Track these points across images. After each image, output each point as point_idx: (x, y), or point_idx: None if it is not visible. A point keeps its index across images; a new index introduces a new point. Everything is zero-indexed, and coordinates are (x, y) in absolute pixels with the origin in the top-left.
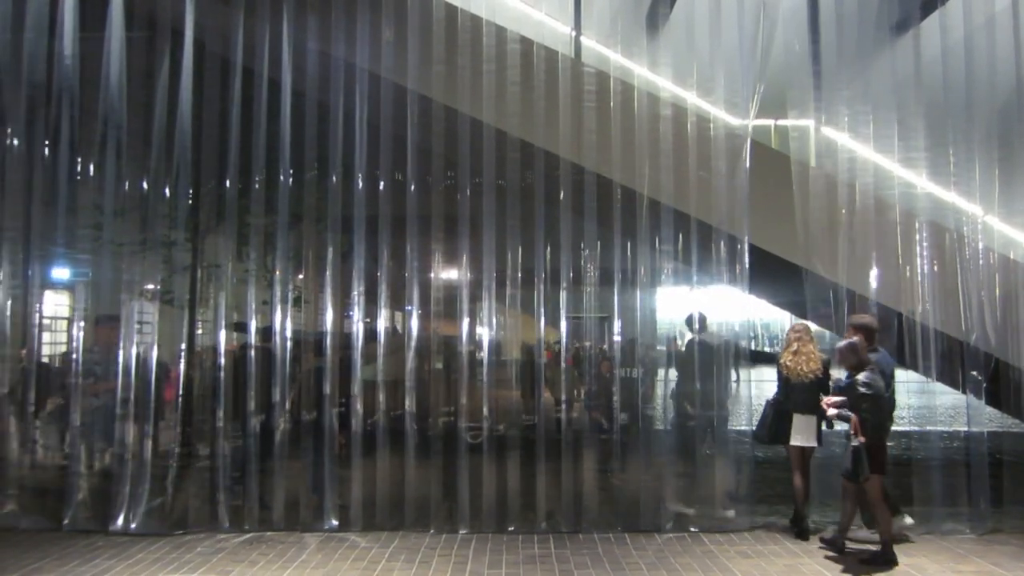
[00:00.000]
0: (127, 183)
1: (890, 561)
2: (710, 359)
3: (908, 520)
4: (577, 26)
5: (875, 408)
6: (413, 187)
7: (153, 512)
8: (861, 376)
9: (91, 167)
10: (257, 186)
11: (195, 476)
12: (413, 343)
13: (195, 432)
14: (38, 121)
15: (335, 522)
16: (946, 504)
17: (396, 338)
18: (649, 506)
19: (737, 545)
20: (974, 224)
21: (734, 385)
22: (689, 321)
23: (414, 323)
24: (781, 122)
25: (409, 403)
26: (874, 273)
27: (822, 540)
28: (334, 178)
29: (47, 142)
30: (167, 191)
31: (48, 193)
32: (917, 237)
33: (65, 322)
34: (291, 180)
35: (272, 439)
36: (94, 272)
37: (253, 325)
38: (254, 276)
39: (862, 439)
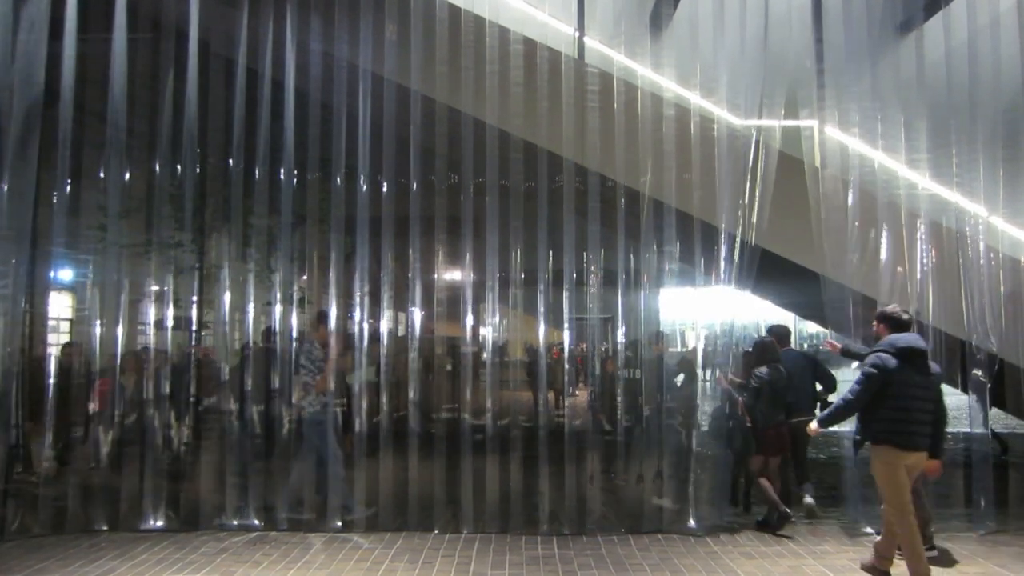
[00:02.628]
0: (131, 184)
1: (784, 516)
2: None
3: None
4: (580, 27)
5: (755, 396)
6: (416, 188)
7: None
8: (760, 368)
9: (95, 168)
10: (260, 187)
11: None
12: (416, 344)
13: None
14: (42, 122)
15: (339, 523)
16: (950, 505)
17: (399, 339)
18: (652, 507)
19: (741, 546)
20: (978, 225)
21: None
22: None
23: (417, 324)
24: (785, 123)
25: (412, 404)
26: (878, 273)
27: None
28: (337, 179)
29: (51, 143)
30: (171, 192)
31: (54, 195)
32: (921, 238)
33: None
34: (294, 181)
35: (275, 438)
36: (96, 273)
37: (252, 325)
38: (256, 276)
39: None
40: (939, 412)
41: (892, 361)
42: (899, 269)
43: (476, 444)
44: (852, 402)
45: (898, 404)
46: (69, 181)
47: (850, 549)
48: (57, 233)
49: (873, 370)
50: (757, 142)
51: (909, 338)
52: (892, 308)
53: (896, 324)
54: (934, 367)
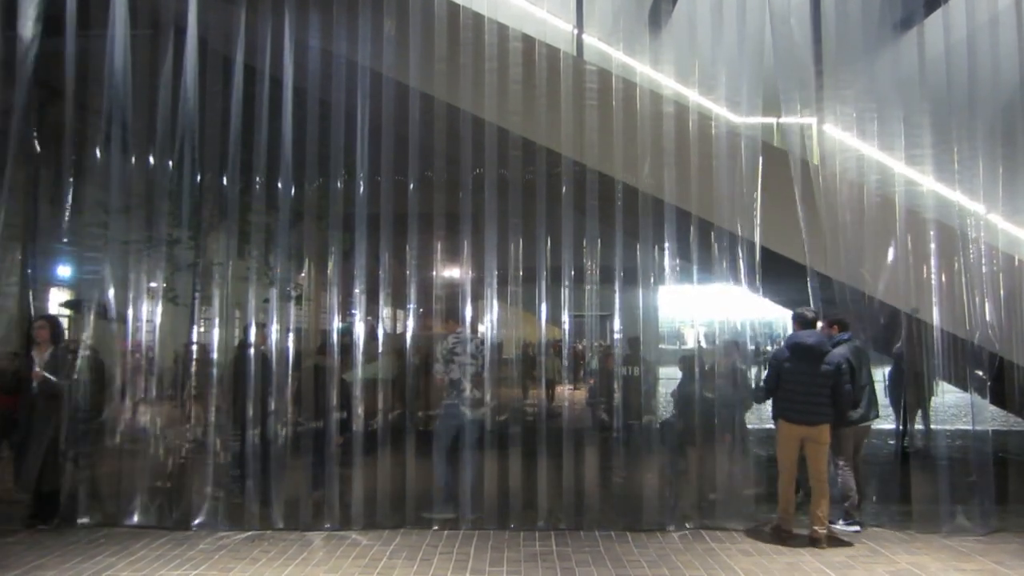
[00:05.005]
0: (130, 181)
1: None
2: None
3: None
4: (579, 24)
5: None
6: (414, 185)
7: None
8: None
9: (95, 165)
10: (259, 184)
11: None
12: (415, 341)
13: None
14: (41, 119)
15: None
16: (949, 502)
17: (398, 336)
18: (651, 504)
19: (739, 543)
20: (978, 222)
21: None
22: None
23: (416, 321)
24: (783, 120)
25: (410, 401)
26: (877, 271)
27: None
28: (336, 177)
29: (51, 140)
30: (170, 189)
31: (53, 191)
32: (921, 235)
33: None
34: (293, 178)
35: (273, 437)
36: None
37: (253, 323)
38: (255, 274)
39: None
40: (836, 395)
41: (784, 353)
42: (898, 267)
43: (475, 441)
44: (764, 385)
45: (787, 387)
46: (69, 178)
47: (848, 546)
48: (57, 230)
49: (773, 360)
50: (755, 139)
51: (801, 335)
52: (801, 309)
53: (801, 322)
54: (832, 357)
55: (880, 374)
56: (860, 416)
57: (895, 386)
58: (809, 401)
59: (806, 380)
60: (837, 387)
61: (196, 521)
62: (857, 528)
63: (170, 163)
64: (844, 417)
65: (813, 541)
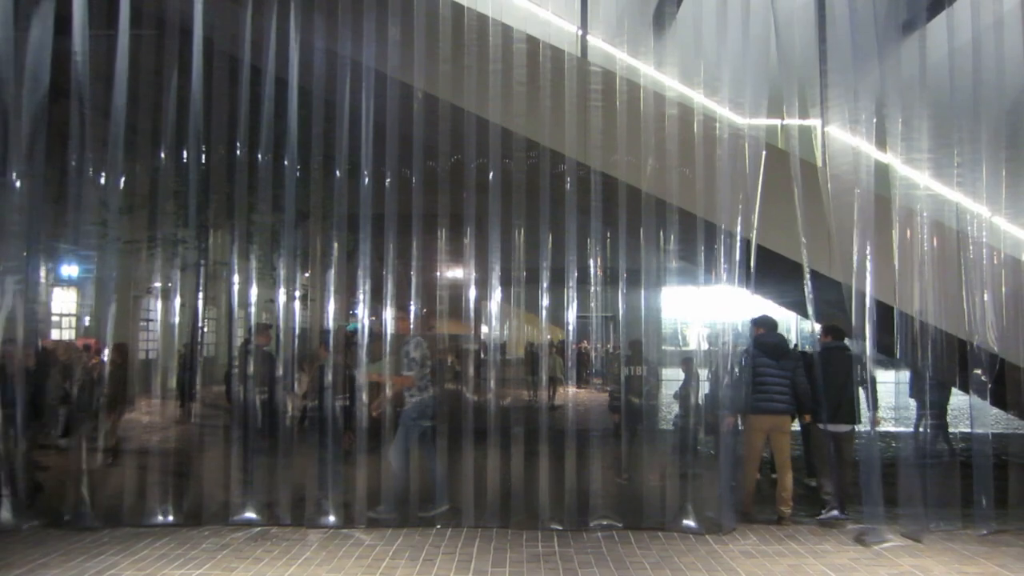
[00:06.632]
0: (135, 181)
1: None
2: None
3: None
4: (584, 25)
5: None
6: (419, 186)
7: None
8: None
9: (100, 165)
10: (263, 184)
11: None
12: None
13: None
14: (46, 119)
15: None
16: (951, 505)
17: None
18: (653, 504)
19: (741, 544)
20: (980, 224)
21: None
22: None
23: (419, 321)
24: (787, 122)
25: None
26: (879, 273)
27: None
28: (340, 176)
29: (55, 140)
30: (175, 189)
31: (56, 191)
32: (922, 237)
33: None
34: (297, 178)
35: (277, 436)
36: (99, 269)
37: (254, 322)
38: (259, 274)
39: None
40: (796, 387)
41: (754, 352)
42: (902, 270)
43: (477, 440)
44: (737, 380)
45: (756, 381)
46: (73, 178)
47: (851, 548)
48: (61, 229)
49: (744, 359)
50: (759, 141)
51: (766, 335)
52: (763, 315)
53: (765, 326)
54: (793, 354)
55: (894, 378)
56: (828, 419)
57: (912, 389)
58: (775, 392)
59: (772, 374)
60: (793, 380)
61: (198, 519)
62: (835, 514)
63: (175, 163)
64: (806, 409)
65: (779, 519)
